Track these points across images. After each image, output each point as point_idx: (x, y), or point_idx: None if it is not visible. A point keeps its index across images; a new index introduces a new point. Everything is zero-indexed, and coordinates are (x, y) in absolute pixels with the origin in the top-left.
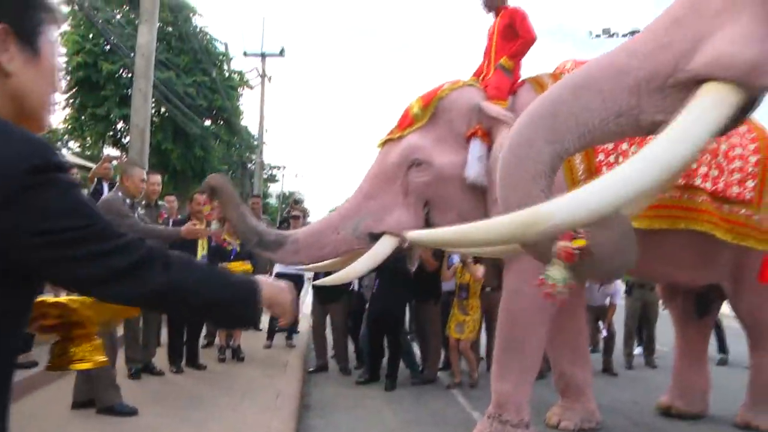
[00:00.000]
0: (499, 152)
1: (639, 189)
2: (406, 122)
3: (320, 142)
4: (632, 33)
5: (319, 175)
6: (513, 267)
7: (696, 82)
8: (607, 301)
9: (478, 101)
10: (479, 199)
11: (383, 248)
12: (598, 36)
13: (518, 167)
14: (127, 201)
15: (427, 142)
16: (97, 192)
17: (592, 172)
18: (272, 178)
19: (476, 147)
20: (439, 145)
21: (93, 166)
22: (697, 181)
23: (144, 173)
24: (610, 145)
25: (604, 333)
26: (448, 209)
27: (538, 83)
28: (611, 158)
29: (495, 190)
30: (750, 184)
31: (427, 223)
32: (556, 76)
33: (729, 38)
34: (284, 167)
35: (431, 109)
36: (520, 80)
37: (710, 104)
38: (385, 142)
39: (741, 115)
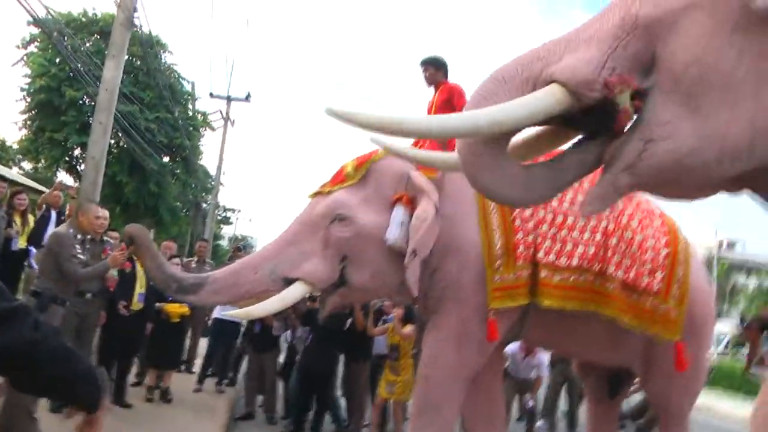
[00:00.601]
0: (417, 220)
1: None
2: (338, 179)
3: (277, 190)
4: None
5: (273, 221)
6: (432, 333)
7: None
8: (533, 373)
9: (408, 170)
10: (395, 262)
11: (293, 293)
12: None
13: None
14: (78, 236)
15: (353, 200)
16: (45, 218)
17: (510, 250)
18: (226, 221)
19: (399, 212)
20: (365, 205)
21: (43, 189)
22: (611, 269)
23: (99, 210)
24: (530, 225)
25: (530, 404)
26: (363, 266)
27: None
28: (529, 237)
29: (408, 254)
30: (659, 275)
31: (341, 278)
32: None
33: (578, 58)
34: (239, 210)
35: (363, 170)
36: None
37: (542, 93)
38: (316, 194)
39: (574, 122)
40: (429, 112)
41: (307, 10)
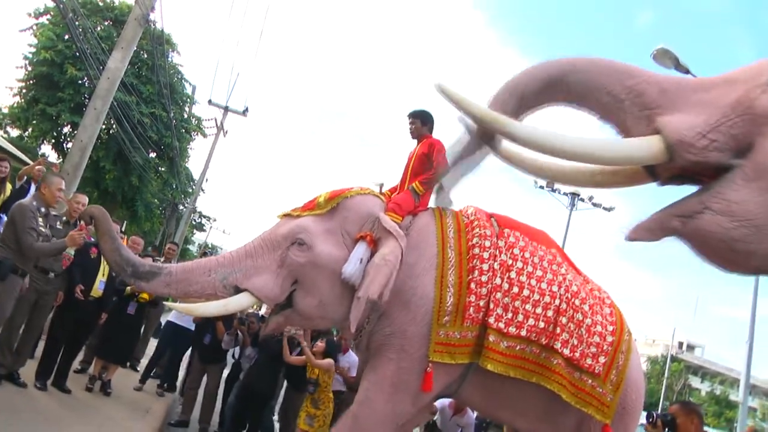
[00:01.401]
0: (379, 261)
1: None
2: (309, 206)
3: (256, 206)
4: (572, 193)
5: (247, 236)
6: (369, 375)
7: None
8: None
9: (377, 211)
10: (343, 296)
11: (237, 302)
12: (542, 187)
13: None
14: (42, 209)
15: (316, 229)
16: (24, 190)
17: (460, 310)
18: (200, 227)
19: (361, 249)
20: (326, 236)
21: (24, 159)
22: (557, 345)
23: (62, 183)
24: (484, 290)
25: None
26: (311, 294)
27: (440, 214)
28: (481, 302)
29: (360, 292)
30: (602, 359)
31: (289, 300)
32: (457, 214)
33: (687, 121)
34: (215, 219)
35: (333, 203)
36: (425, 207)
37: (646, 144)
38: (285, 216)
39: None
40: (408, 163)
41: (318, 34)
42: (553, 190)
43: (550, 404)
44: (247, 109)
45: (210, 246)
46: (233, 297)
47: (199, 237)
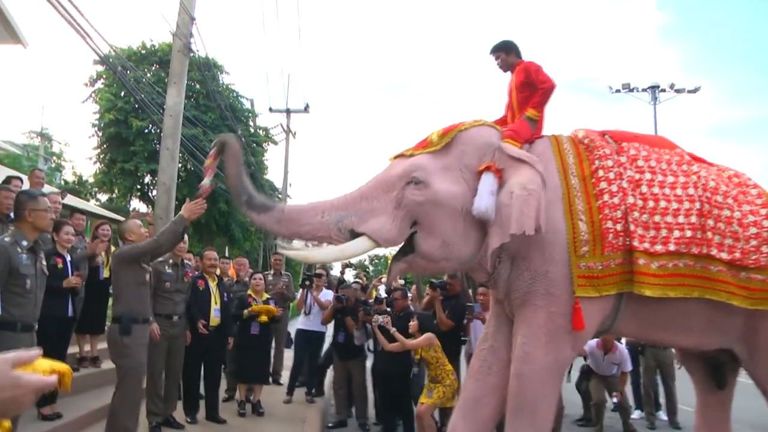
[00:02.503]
0: (519, 191)
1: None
2: (421, 145)
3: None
4: (651, 88)
5: None
6: (521, 329)
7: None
8: (615, 370)
9: (496, 141)
10: (468, 234)
11: (355, 246)
12: (618, 91)
13: None
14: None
15: (432, 166)
16: None
17: (598, 238)
18: None
19: (489, 180)
20: (443, 173)
21: (120, 219)
22: (713, 251)
23: (140, 222)
24: (619, 212)
25: (614, 401)
26: (433, 234)
27: (556, 140)
28: (618, 226)
29: (512, 228)
30: (766, 249)
31: (411, 243)
32: (572, 138)
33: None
34: None
35: (447, 138)
36: (540, 135)
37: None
38: (397, 156)
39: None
40: (509, 96)
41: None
42: (631, 90)
43: (712, 312)
44: (308, 106)
45: None
46: (350, 242)
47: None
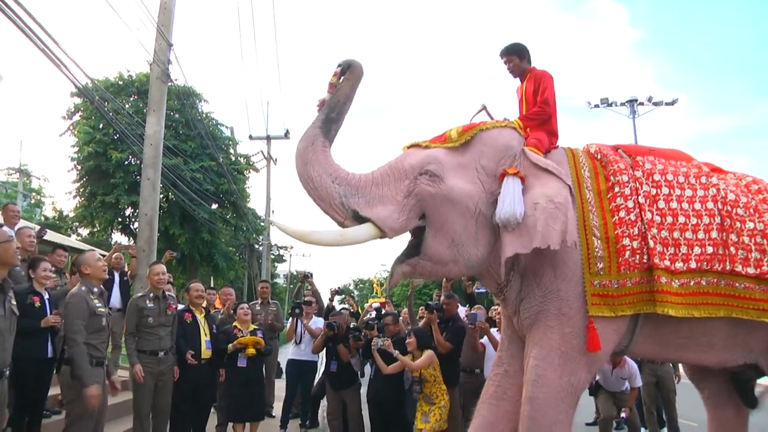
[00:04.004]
0: (545, 204)
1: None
2: (439, 139)
3: (328, 222)
4: (630, 101)
5: (326, 254)
6: (533, 351)
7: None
8: (625, 386)
9: (517, 145)
10: (480, 237)
11: (357, 233)
12: (596, 106)
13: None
14: (95, 290)
15: (449, 161)
16: (109, 282)
17: (613, 255)
18: (280, 259)
19: (516, 185)
20: (459, 170)
21: (102, 252)
22: (738, 267)
23: (97, 254)
24: (635, 229)
25: (623, 416)
26: (443, 232)
27: (572, 153)
28: (635, 243)
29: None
30: None
31: (415, 246)
32: (588, 152)
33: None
34: (292, 247)
35: (467, 136)
36: (556, 144)
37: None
38: (412, 146)
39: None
40: (520, 103)
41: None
42: (609, 105)
43: (734, 328)
44: (288, 132)
45: (297, 273)
46: (352, 228)
47: (282, 269)
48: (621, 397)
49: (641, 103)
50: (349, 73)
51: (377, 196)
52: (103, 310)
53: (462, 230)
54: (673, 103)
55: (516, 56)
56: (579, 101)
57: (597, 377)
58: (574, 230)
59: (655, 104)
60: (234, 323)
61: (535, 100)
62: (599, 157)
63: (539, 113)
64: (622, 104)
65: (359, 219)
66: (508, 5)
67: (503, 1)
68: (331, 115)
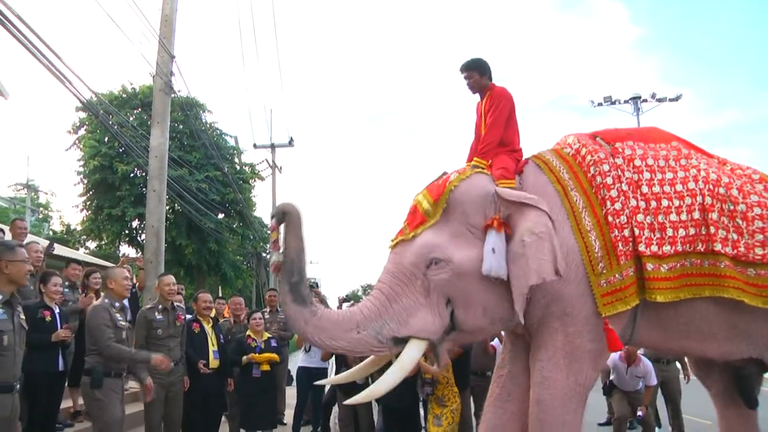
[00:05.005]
0: (529, 239)
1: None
2: (417, 220)
3: (333, 228)
4: (633, 99)
5: (333, 260)
6: (538, 353)
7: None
8: (640, 384)
9: (491, 187)
10: (504, 293)
11: (411, 354)
12: (600, 104)
13: None
14: (116, 304)
15: (442, 239)
16: None
17: (610, 250)
18: None
19: (491, 239)
20: (456, 241)
21: (110, 265)
22: (717, 246)
23: (125, 272)
24: (623, 218)
25: (639, 414)
26: (471, 305)
27: (543, 162)
28: (625, 232)
29: (531, 279)
30: None
31: (451, 323)
32: (558, 151)
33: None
34: None
35: (442, 204)
36: (523, 159)
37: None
38: (397, 243)
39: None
40: (478, 120)
41: (338, 45)
42: (613, 102)
43: (734, 315)
44: (292, 140)
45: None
46: (404, 352)
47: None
48: (636, 396)
49: (645, 100)
50: (287, 223)
51: (402, 311)
52: (124, 323)
53: (486, 295)
54: (677, 99)
55: (476, 72)
56: (582, 100)
57: (611, 377)
58: (561, 257)
59: (659, 101)
60: (248, 332)
61: (491, 116)
62: (576, 148)
63: (489, 143)
64: (626, 102)
65: (401, 341)
66: (505, 7)
67: (500, 4)
68: (293, 281)
